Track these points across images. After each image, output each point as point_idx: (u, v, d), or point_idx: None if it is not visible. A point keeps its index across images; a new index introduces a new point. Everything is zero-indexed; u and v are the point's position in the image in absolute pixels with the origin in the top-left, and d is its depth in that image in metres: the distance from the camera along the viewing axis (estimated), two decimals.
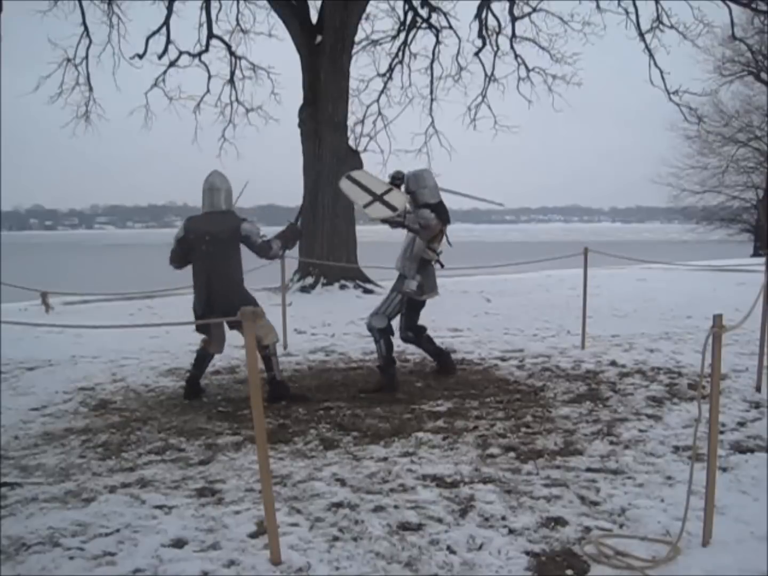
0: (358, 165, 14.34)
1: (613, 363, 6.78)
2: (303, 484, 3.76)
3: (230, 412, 5.29)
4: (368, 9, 15.07)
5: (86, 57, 15.39)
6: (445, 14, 16.58)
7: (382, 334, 6.00)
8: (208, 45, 15.80)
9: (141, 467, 4.11)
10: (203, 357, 5.80)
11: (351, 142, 15.00)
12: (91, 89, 15.72)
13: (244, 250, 5.57)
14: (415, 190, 5.92)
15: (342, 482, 3.79)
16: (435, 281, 6.14)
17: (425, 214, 5.78)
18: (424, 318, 6.34)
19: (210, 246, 5.41)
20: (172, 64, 15.79)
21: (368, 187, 5.80)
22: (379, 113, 17.22)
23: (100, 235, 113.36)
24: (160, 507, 3.48)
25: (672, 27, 15.40)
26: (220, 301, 5.35)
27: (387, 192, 5.73)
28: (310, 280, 13.25)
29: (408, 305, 6.04)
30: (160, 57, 15.56)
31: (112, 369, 6.95)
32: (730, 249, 30.90)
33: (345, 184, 5.89)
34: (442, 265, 6.11)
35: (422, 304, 6.14)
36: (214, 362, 7.18)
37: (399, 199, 5.72)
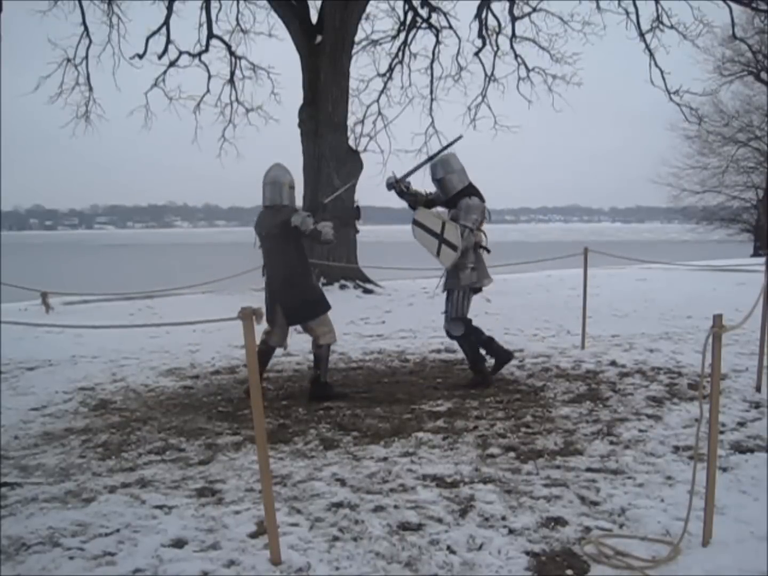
0: (358, 165, 14.36)
1: (613, 363, 6.78)
2: (303, 484, 3.76)
3: (230, 412, 5.29)
4: (368, 9, 15.08)
5: (86, 57, 15.41)
6: (445, 14, 16.60)
7: (464, 339, 5.96)
8: (208, 45, 15.81)
9: (141, 467, 4.11)
10: (264, 352, 5.73)
11: (351, 142, 15.00)
12: (91, 89, 15.73)
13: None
14: (443, 177, 5.86)
15: (342, 482, 3.79)
16: (486, 267, 6.04)
17: (472, 208, 5.72)
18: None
19: (266, 242, 5.53)
20: (172, 64, 15.79)
21: (429, 227, 5.78)
22: (379, 113, 17.22)
23: (100, 235, 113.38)
24: (160, 507, 3.48)
25: (672, 27, 15.41)
26: (281, 296, 5.48)
27: (443, 230, 5.69)
28: None
29: (469, 298, 5.95)
30: (160, 57, 15.58)
31: (112, 369, 6.95)
32: (730, 249, 30.86)
33: (417, 233, 5.84)
34: (488, 251, 6.05)
35: (478, 292, 6.07)
36: (214, 362, 7.20)
37: (454, 234, 5.65)
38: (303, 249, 5.54)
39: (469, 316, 5.98)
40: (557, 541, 3.08)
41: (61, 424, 5.05)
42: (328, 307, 5.61)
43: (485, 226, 6.02)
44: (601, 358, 6.99)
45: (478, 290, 6.05)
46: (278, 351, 7.47)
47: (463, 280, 5.86)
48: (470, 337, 5.98)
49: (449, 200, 5.90)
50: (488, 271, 6.04)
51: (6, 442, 4.62)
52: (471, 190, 5.84)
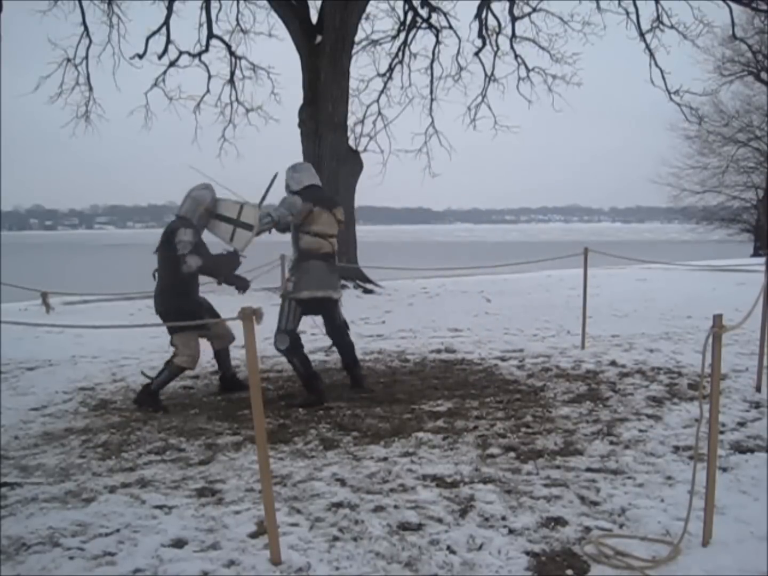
0: (358, 165, 14.37)
1: (613, 363, 6.78)
2: (303, 484, 3.76)
3: (230, 412, 5.29)
4: (368, 9, 15.09)
5: (86, 57, 15.42)
6: (445, 14, 16.60)
7: (291, 353, 5.53)
8: (208, 45, 15.81)
9: (141, 467, 4.11)
10: (216, 353, 5.88)
11: (351, 142, 15.01)
12: (91, 89, 15.74)
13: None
14: (287, 181, 5.74)
15: (342, 482, 3.79)
16: (320, 278, 5.57)
17: (289, 199, 5.59)
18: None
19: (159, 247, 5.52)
20: (172, 64, 15.80)
21: (226, 215, 5.61)
22: (379, 113, 17.23)
23: (100, 235, 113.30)
24: (160, 507, 3.48)
25: (672, 27, 15.42)
26: (155, 301, 5.53)
27: (241, 210, 5.54)
28: None
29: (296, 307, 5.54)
30: (160, 57, 15.58)
31: (112, 369, 6.95)
32: (730, 249, 30.88)
33: (214, 225, 5.64)
34: (335, 260, 5.79)
35: (304, 305, 5.55)
36: (214, 362, 7.19)
37: (251, 214, 5.49)
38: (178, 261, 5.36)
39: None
40: (557, 541, 3.08)
41: (61, 424, 5.04)
42: (193, 328, 5.41)
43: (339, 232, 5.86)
44: (601, 358, 6.99)
45: (303, 305, 5.54)
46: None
47: (287, 289, 5.57)
48: (299, 351, 5.56)
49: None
50: (322, 281, 5.58)
51: (6, 442, 4.62)
52: (305, 192, 5.61)
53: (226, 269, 5.63)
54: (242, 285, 5.69)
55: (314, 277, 5.56)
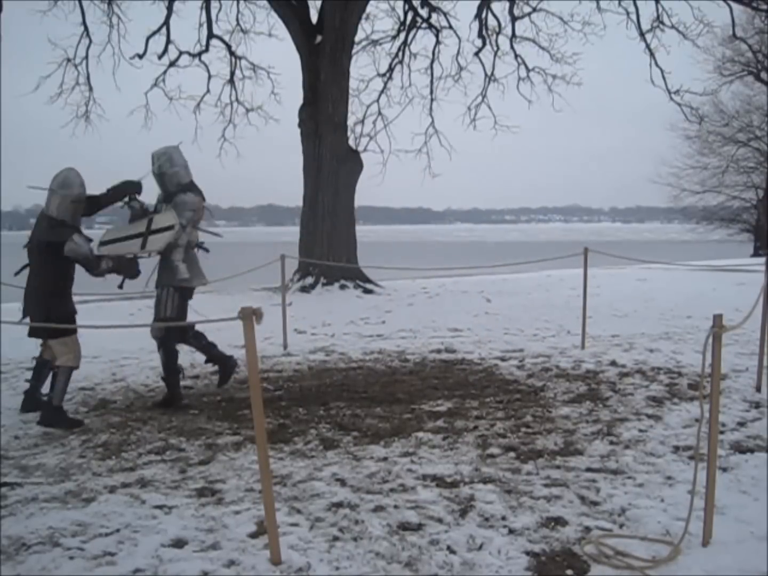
0: (358, 165, 14.36)
1: (613, 363, 6.78)
2: (303, 484, 3.76)
3: (230, 412, 5.29)
4: (368, 9, 15.09)
5: (86, 57, 15.40)
6: (445, 14, 16.59)
7: (163, 344, 5.58)
8: (208, 45, 15.80)
9: (141, 467, 4.11)
10: (42, 365, 5.49)
11: (351, 142, 15.01)
12: (91, 89, 15.72)
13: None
14: (167, 171, 5.58)
15: (342, 482, 3.79)
16: (200, 268, 5.73)
17: (187, 204, 5.52)
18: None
19: (33, 252, 5.24)
20: (172, 64, 15.79)
21: (127, 234, 5.55)
22: (379, 113, 17.21)
23: (101, 235, 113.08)
24: (160, 507, 3.48)
25: (672, 27, 15.40)
26: (30, 309, 5.24)
27: (150, 222, 5.45)
28: (310, 280, 13.24)
29: (180, 298, 5.58)
30: (160, 57, 15.58)
31: (112, 369, 6.95)
32: (730, 249, 30.87)
33: (108, 249, 5.51)
34: (206, 250, 5.82)
35: (191, 294, 5.70)
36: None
37: (166, 218, 5.44)
38: (65, 267, 5.15)
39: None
40: (557, 541, 3.08)
41: None
42: (73, 331, 5.24)
43: (206, 225, 5.83)
44: (601, 358, 7.00)
45: (189, 292, 5.68)
46: (278, 351, 7.48)
47: (169, 278, 5.53)
48: (169, 345, 5.58)
49: (167, 196, 5.66)
50: (203, 272, 5.73)
51: (6, 442, 4.62)
52: (190, 187, 5.61)
53: (132, 269, 5.46)
54: (134, 273, 5.48)
55: (198, 267, 5.72)
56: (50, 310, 5.08)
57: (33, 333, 5.32)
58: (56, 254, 5.07)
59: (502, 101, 17.73)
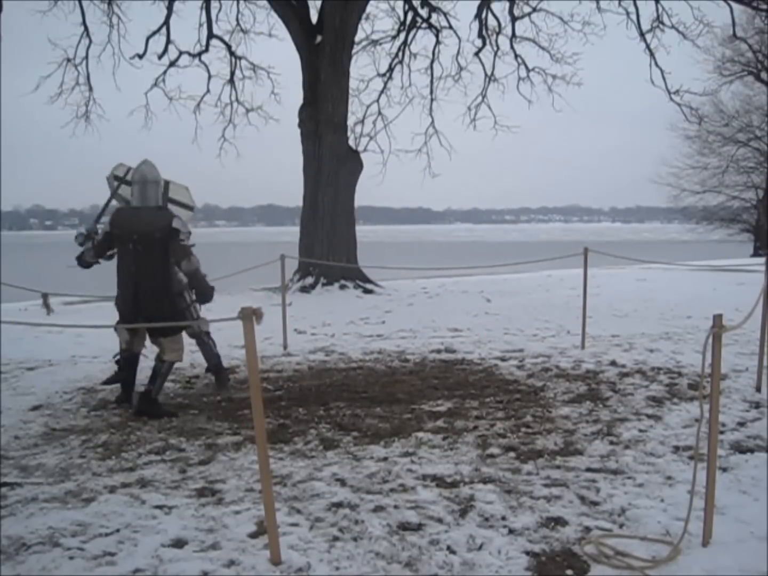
0: (358, 165, 14.36)
1: (613, 363, 6.78)
2: (303, 484, 3.76)
3: (230, 412, 5.29)
4: (368, 9, 15.09)
5: (86, 57, 15.40)
6: (445, 14, 16.58)
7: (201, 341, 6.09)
8: (208, 45, 15.80)
9: (141, 467, 4.11)
10: (130, 358, 5.64)
11: (351, 142, 15.00)
12: (91, 89, 15.72)
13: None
14: (163, 189, 5.70)
15: (342, 482, 3.79)
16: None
17: (183, 217, 5.54)
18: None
19: (138, 244, 5.21)
20: (172, 64, 15.78)
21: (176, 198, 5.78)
22: (379, 113, 17.20)
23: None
24: (160, 507, 3.48)
25: (672, 27, 15.40)
26: (148, 307, 5.22)
27: (167, 186, 5.71)
28: (310, 280, 13.25)
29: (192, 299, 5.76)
30: (160, 57, 15.57)
31: (112, 369, 6.94)
32: (730, 249, 30.88)
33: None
34: None
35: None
36: None
37: (183, 194, 5.75)
38: (169, 255, 5.22)
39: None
40: (557, 541, 3.09)
41: (61, 424, 5.04)
42: (187, 326, 5.41)
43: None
44: (601, 358, 7.00)
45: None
46: (278, 351, 7.48)
47: (179, 287, 5.56)
48: (203, 338, 6.07)
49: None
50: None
51: (6, 442, 4.62)
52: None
53: (203, 293, 5.46)
54: (209, 297, 5.48)
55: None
56: (174, 305, 5.28)
57: (152, 333, 5.43)
58: (170, 239, 5.15)
59: (502, 101, 17.77)
